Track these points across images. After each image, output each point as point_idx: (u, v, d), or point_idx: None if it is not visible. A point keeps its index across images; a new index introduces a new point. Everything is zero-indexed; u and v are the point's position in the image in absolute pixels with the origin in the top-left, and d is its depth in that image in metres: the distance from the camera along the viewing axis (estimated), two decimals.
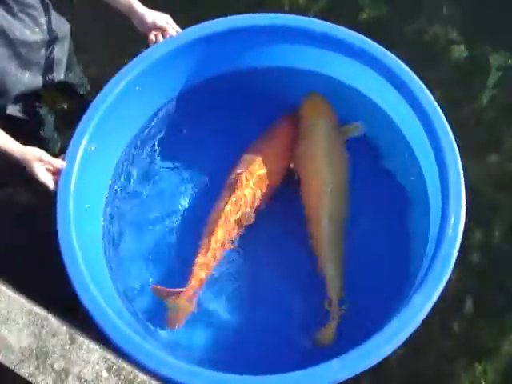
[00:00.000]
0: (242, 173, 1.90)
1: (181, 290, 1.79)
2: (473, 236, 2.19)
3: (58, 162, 1.75)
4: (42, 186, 1.75)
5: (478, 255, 2.19)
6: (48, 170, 1.74)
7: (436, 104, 1.75)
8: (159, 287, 1.81)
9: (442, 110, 1.77)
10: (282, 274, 1.92)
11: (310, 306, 1.86)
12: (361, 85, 1.98)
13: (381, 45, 1.87)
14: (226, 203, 1.87)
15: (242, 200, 1.89)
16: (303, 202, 1.94)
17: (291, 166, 2.01)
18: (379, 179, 2.00)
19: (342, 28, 1.88)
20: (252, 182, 1.91)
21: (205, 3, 2.61)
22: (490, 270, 2.18)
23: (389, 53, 1.84)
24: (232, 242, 1.90)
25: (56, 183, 1.74)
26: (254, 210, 1.92)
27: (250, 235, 1.93)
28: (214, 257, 1.84)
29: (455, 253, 1.59)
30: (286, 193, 1.99)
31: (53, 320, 1.54)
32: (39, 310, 1.56)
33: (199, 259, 1.83)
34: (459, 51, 2.56)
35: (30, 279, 1.72)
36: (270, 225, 1.95)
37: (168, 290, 1.79)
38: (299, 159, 1.98)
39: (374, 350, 1.51)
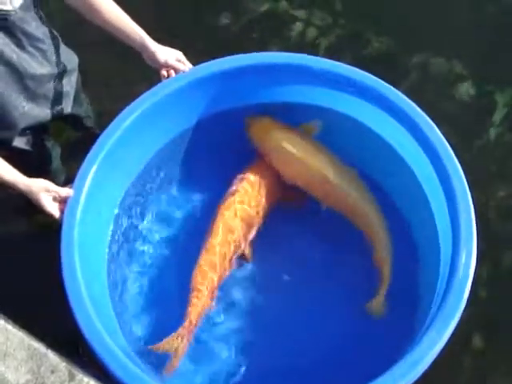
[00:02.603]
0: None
1: (174, 334, 1.72)
2: (481, 268, 2.16)
3: (65, 191, 1.74)
4: (49, 217, 1.73)
5: (487, 288, 2.15)
6: (55, 199, 1.73)
7: (454, 157, 1.74)
8: (156, 345, 1.72)
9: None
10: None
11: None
12: (371, 122, 1.98)
13: (387, 79, 1.87)
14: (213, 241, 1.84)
15: (232, 235, 1.86)
16: (323, 201, 1.94)
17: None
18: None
19: (350, 67, 1.88)
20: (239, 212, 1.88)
21: (217, 41, 2.67)
22: (498, 303, 2.14)
23: (402, 95, 1.84)
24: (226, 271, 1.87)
25: (63, 212, 1.72)
26: (246, 242, 1.90)
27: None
28: (209, 294, 1.80)
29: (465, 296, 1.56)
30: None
31: (52, 356, 1.52)
32: (38, 345, 1.54)
33: (193, 300, 1.78)
34: (465, 87, 2.57)
35: (29, 313, 1.69)
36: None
37: (163, 342, 1.71)
38: (288, 176, 1.97)
39: None
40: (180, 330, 1.72)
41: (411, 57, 2.63)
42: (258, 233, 1.94)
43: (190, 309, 1.75)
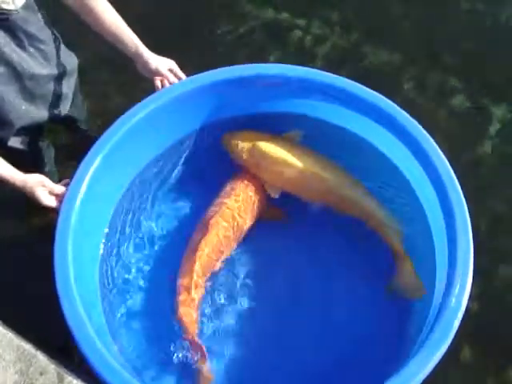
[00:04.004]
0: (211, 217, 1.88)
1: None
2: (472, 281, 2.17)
3: (60, 188, 1.74)
4: (45, 210, 1.74)
5: (476, 301, 2.15)
6: (50, 193, 1.74)
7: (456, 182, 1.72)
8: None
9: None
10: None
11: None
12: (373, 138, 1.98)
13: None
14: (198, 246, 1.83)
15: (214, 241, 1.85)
16: (313, 200, 1.94)
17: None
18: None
19: (355, 84, 1.87)
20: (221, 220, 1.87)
21: (215, 48, 2.69)
22: (488, 318, 2.15)
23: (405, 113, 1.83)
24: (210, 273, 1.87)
25: (59, 204, 1.72)
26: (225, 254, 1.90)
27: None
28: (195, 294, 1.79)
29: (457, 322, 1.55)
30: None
31: (41, 357, 1.50)
32: (28, 347, 1.52)
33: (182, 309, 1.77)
34: (460, 101, 2.59)
35: (20, 314, 1.68)
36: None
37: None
38: (278, 183, 1.96)
39: None
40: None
41: (407, 68, 2.65)
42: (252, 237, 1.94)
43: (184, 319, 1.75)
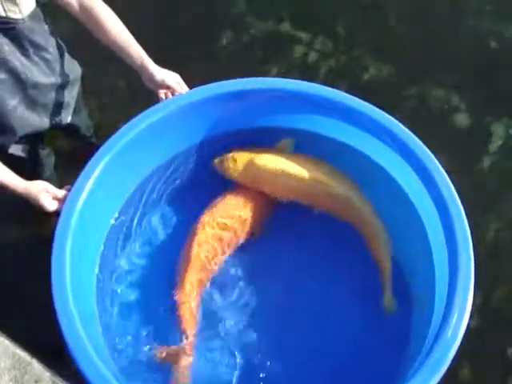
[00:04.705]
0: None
1: (180, 347, 1.73)
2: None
3: (63, 193, 1.75)
4: (49, 215, 1.75)
5: (476, 320, 2.14)
6: (53, 199, 1.75)
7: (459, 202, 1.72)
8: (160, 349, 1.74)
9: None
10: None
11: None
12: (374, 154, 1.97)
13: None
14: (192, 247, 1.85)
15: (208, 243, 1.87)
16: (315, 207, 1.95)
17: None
18: None
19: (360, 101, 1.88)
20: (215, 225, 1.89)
21: (218, 59, 2.70)
22: (487, 335, 2.14)
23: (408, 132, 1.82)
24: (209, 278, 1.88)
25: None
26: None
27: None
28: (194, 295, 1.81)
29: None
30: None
31: (36, 365, 1.50)
32: (23, 354, 1.52)
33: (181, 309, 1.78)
34: (461, 117, 2.60)
35: (16, 321, 1.68)
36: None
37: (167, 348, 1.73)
38: (279, 194, 1.97)
39: None
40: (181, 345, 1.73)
41: (409, 85, 2.66)
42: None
43: (183, 325, 1.76)
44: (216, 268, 1.90)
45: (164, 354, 1.73)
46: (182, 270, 1.85)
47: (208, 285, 1.89)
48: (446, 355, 1.51)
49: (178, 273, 1.86)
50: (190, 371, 1.74)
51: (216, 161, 2.01)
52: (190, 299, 1.80)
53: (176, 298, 1.81)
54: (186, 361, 1.72)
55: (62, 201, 1.73)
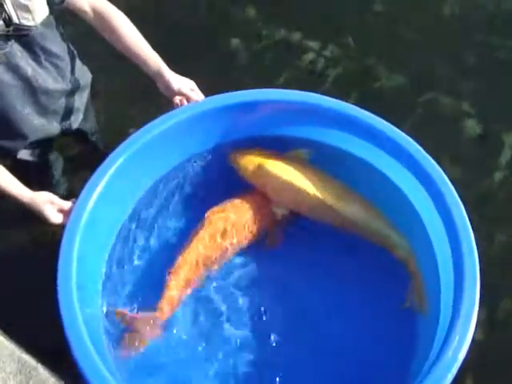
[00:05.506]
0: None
1: (151, 315, 1.72)
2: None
3: (69, 205, 1.74)
4: (54, 227, 1.74)
5: (480, 331, 2.11)
6: (58, 211, 1.74)
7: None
8: (123, 312, 1.73)
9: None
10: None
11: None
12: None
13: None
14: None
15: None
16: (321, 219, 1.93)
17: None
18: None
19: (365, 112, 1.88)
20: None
21: (227, 67, 2.70)
22: (491, 346, 2.12)
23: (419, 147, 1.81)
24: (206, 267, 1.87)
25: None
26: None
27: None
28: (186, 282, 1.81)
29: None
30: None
31: (42, 370, 1.51)
32: (29, 359, 1.53)
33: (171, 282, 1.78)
34: (472, 128, 2.59)
35: (22, 325, 1.68)
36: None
37: (135, 315, 1.73)
38: (284, 202, 1.96)
39: None
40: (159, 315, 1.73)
41: (419, 94, 2.65)
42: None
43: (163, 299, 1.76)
44: (215, 267, 1.89)
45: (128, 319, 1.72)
46: (179, 256, 1.84)
47: (201, 283, 1.87)
48: (445, 376, 1.50)
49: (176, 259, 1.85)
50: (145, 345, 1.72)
51: (233, 154, 1.99)
52: (177, 286, 1.79)
53: (167, 277, 1.80)
54: (148, 332, 1.71)
55: (67, 213, 1.72)
